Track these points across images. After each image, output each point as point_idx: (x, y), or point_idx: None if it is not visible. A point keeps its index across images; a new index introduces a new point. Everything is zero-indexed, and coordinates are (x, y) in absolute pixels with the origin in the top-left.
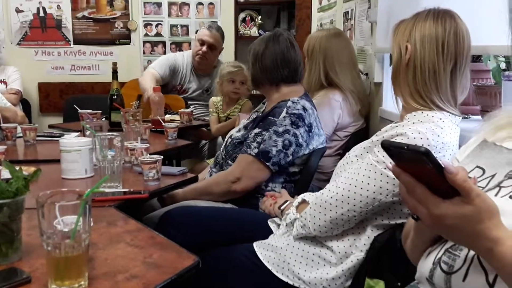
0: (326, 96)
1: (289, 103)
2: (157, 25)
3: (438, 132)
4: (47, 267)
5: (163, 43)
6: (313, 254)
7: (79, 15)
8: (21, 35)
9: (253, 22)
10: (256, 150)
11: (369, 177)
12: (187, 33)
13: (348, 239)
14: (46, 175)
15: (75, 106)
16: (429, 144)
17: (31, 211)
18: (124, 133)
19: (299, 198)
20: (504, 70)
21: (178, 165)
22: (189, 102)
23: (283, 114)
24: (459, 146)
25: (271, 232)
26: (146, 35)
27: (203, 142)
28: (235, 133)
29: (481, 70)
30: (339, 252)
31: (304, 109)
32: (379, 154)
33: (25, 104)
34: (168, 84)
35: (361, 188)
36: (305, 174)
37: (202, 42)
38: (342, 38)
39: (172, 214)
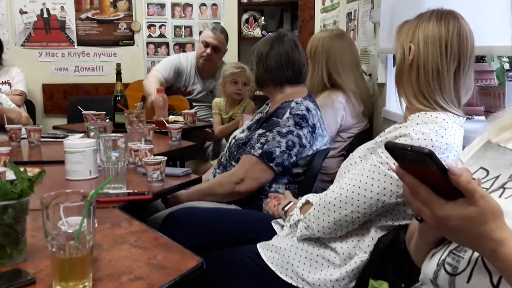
0: (329, 98)
1: (293, 104)
2: (160, 26)
3: (442, 133)
4: (52, 269)
5: (167, 44)
6: (317, 255)
7: (83, 16)
8: (25, 37)
9: (256, 23)
10: (259, 151)
11: (372, 178)
12: (191, 34)
13: (352, 240)
14: (51, 176)
15: (79, 107)
16: (433, 145)
17: (35, 212)
18: (128, 134)
19: (302, 199)
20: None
21: (182, 166)
22: (194, 104)
23: (287, 115)
24: (463, 147)
25: (274, 233)
26: (149, 36)
27: (207, 143)
28: (238, 134)
29: (484, 70)
30: (343, 254)
31: (308, 110)
32: (383, 155)
33: (29, 106)
34: (173, 86)
35: (365, 189)
36: (309, 175)
37: (206, 44)
38: (345, 39)
39: (176, 215)
